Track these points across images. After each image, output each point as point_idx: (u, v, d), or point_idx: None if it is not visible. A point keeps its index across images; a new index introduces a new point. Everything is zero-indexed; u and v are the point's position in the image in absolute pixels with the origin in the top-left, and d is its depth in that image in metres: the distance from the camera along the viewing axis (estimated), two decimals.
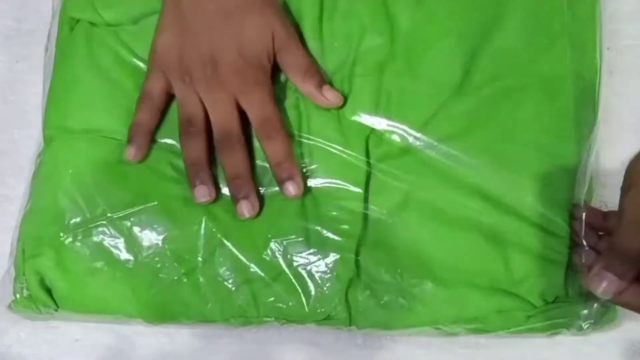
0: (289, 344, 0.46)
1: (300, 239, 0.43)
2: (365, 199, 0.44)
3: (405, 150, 0.44)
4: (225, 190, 0.45)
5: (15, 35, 0.54)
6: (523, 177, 0.43)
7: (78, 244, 0.44)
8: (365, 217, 0.44)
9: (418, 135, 0.44)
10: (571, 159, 0.43)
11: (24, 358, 0.47)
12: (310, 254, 0.43)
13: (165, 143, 0.46)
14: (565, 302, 0.42)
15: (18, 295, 0.44)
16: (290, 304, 0.42)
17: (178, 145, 0.45)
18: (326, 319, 0.43)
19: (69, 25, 0.48)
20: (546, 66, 0.45)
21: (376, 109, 0.45)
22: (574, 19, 0.45)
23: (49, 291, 0.44)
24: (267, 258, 0.43)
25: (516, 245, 0.42)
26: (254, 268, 0.43)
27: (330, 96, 0.44)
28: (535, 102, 0.44)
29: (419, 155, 0.44)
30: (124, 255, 0.43)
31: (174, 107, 0.46)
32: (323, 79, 0.45)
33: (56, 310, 0.44)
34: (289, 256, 0.43)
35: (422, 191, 0.44)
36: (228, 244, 0.43)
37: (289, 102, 0.46)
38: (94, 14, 0.47)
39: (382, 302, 0.42)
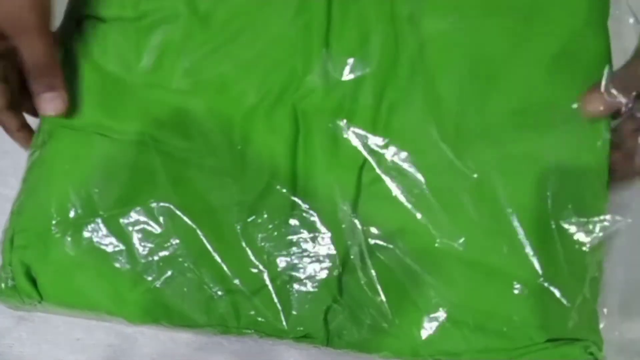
0: (290, 343, 0.46)
1: (285, 256, 0.43)
2: (353, 223, 0.43)
3: (400, 174, 0.44)
4: (215, 199, 0.44)
5: None
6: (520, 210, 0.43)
7: (68, 238, 0.44)
8: (352, 239, 0.43)
9: (414, 159, 0.44)
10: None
11: (25, 358, 0.47)
12: (293, 271, 0.43)
13: (160, 147, 0.45)
14: (554, 345, 0.41)
15: (3, 285, 0.44)
16: (270, 319, 0.43)
17: (174, 153, 0.45)
18: (304, 337, 0.43)
19: (75, 22, 0.48)
20: (558, 95, 0.44)
21: (373, 128, 0.45)
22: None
23: (34, 282, 0.44)
24: (251, 271, 0.43)
25: (508, 283, 0.42)
26: (236, 279, 0.43)
27: (43, 106, 0.44)
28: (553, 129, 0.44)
29: (414, 180, 0.43)
30: (111, 253, 0.43)
31: (166, 104, 0.46)
32: (50, 84, 0.44)
33: (40, 302, 0.44)
34: (272, 272, 0.43)
35: (415, 219, 0.43)
36: (214, 253, 0.43)
37: (287, 118, 0.45)
38: (102, 9, 0.47)
39: (361, 325, 0.42)
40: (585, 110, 0.42)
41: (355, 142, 0.45)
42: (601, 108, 0.41)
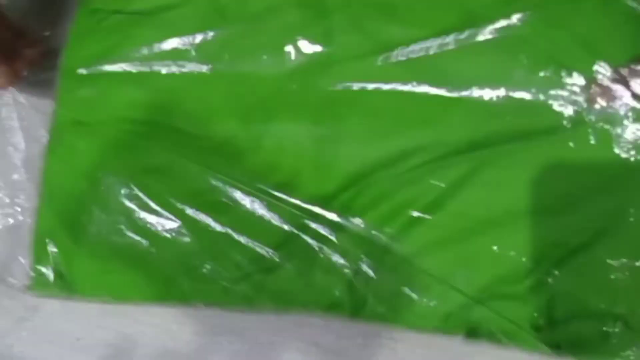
0: (290, 343, 0.46)
1: (315, 224, 0.44)
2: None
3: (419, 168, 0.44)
4: (237, 184, 0.45)
5: None
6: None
7: (95, 227, 0.45)
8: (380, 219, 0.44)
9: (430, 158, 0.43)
10: None
11: (26, 357, 0.47)
12: (321, 241, 0.44)
13: (176, 136, 0.46)
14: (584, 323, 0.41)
15: (37, 276, 0.46)
16: (295, 291, 0.44)
17: (191, 142, 0.46)
18: (331, 307, 0.43)
19: (87, 17, 0.49)
20: None
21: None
22: None
23: (65, 275, 0.46)
24: (280, 243, 0.44)
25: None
26: (264, 253, 0.44)
27: None
28: None
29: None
30: (141, 239, 0.45)
31: (184, 92, 0.46)
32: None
33: (71, 292, 0.46)
34: (300, 243, 0.44)
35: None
36: (238, 235, 0.44)
37: (310, 104, 0.45)
38: (117, 3, 0.48)
39: (386, 297, 0.43)
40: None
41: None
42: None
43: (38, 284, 0.46)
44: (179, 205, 0.45)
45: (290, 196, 0.44)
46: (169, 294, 0.45)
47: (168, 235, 0.45)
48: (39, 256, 0.46)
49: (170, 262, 0.45)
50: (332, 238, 0.43)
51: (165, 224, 0.45)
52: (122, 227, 0.45)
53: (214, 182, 0.45)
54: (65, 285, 0.45)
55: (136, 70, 0.47)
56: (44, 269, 0.46)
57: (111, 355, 0.47)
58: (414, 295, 0.42)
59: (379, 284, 0.43)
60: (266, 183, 0.45)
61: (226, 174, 0.45)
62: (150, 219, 0.45)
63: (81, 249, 0.45)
